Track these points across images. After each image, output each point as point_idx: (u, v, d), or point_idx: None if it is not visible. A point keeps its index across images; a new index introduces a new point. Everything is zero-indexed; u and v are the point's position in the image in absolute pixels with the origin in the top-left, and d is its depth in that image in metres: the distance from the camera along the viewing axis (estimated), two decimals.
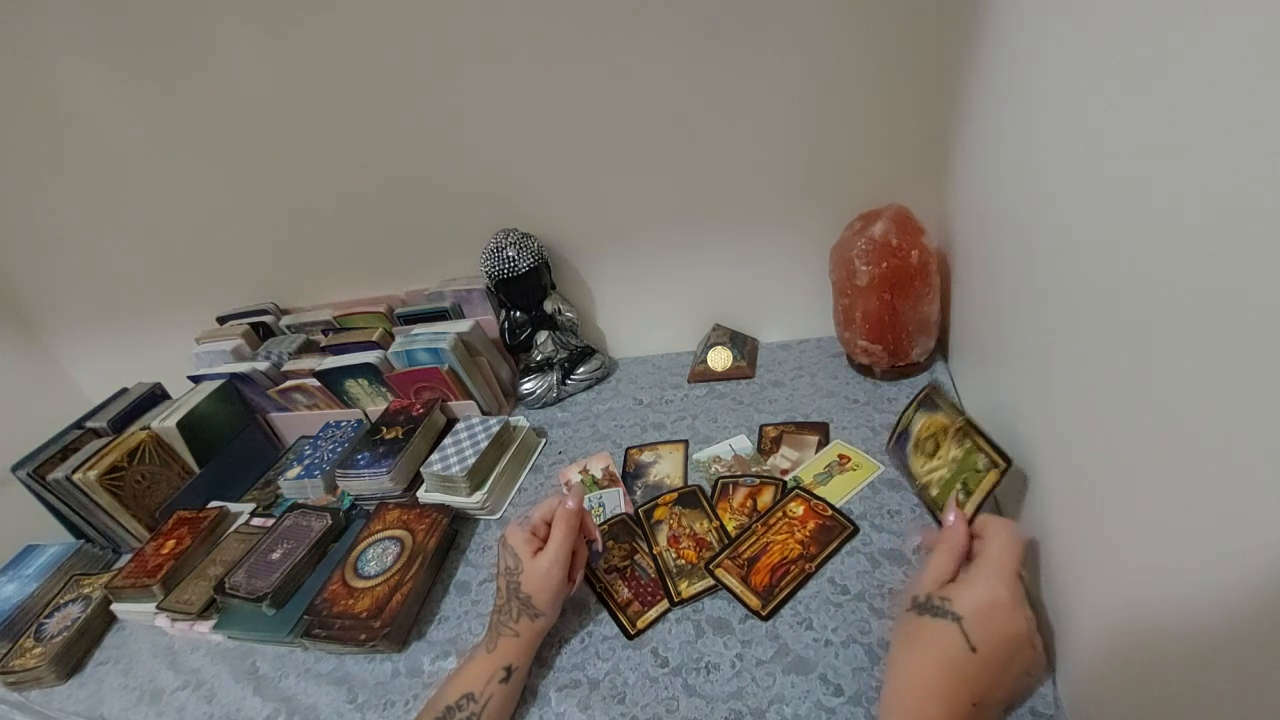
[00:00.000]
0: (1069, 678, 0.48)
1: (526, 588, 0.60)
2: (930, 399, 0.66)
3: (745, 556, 0.67)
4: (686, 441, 0.86)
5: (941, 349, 0.87)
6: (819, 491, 0.72)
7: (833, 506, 0.69)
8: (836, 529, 0.67)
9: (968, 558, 0.50)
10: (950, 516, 0.53)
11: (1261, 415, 0.25)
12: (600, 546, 0.70)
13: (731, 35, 0.77)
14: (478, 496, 0.82)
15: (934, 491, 0.61)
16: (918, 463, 0.65)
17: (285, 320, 1.16)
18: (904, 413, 0.69)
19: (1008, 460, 0.54)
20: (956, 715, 0.43)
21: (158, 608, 0.81)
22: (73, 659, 0.82)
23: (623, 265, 1.01)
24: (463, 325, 0.99)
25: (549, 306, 1.01)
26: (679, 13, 0.76)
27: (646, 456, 0.86)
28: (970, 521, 0.52)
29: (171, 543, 0.87)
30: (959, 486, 0.57)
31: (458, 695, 0.56)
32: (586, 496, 0.81)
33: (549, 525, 0.63)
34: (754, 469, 0.78)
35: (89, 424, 1.02)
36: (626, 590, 0.68)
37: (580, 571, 0.65)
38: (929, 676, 0.44)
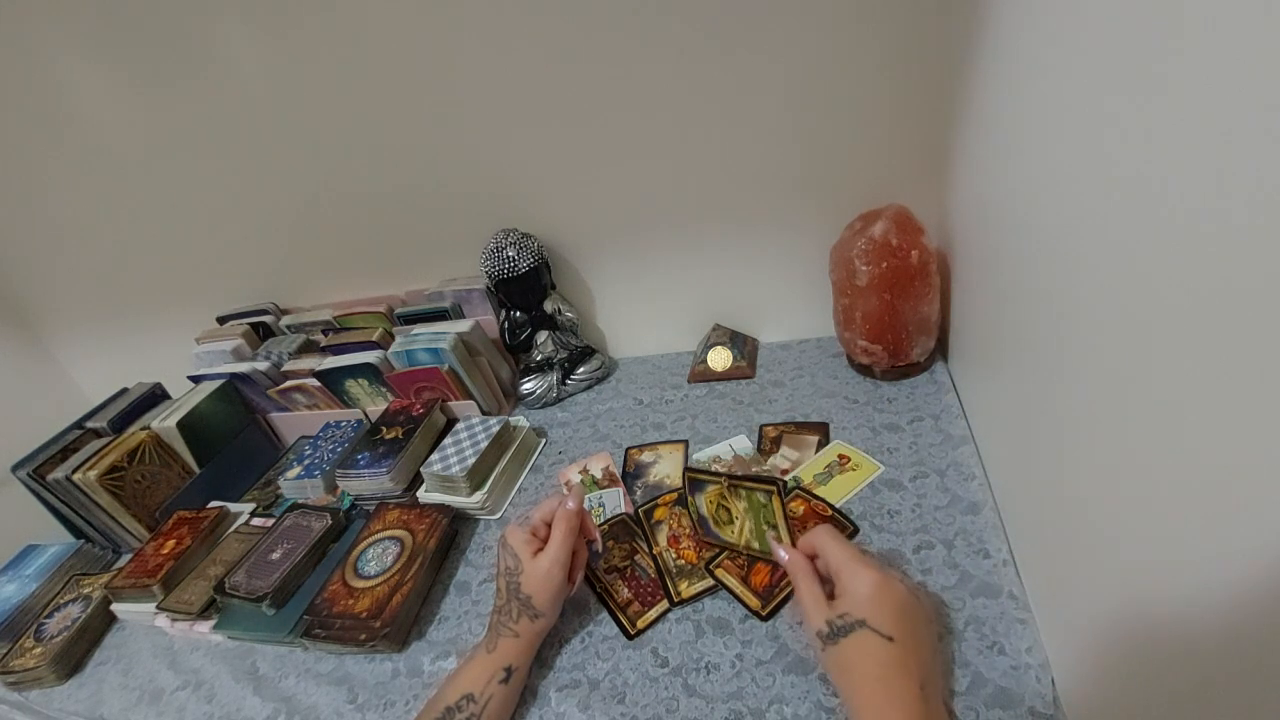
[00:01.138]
0: (1068, 677, 0.48)
1: (526, 588, 0.60)
2: (693, 484, 0.69)
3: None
4: (686, 441, 0.86)
5: (941, 349, 0.87)
6: (819, 491, 0.72)
7: (833, 507, 0.69)
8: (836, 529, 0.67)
9: (821, 576, 0.54)
10: (781, 553, 0.58)
11: (1262, 415, 0.25)
12: (600, 547, 0.70)
13: (731, 35, 0.77)
14: (478, 496, 0.82)
15: (756, 545, 0.64)
16: (727, 534, 0.67)
17: (285, 320, 1.16)
18: (689, 508, 0.70)
19: (772, 480, 0.61)
20: (913, 709, 0.44)
21: (158, 608, 0.81)
22: (73, 659, 0.82)
23: (623, 265, 1.01)
24: (463, 325, 0.99)
25: (549, 306, 1.01)
26: (679, 13, 0.76)
27: (646, 456, 0.86)
28: (795, 545, 0.58)
29: (171, 543, 0.87)
30: (766, 527, 0.62)
31: (457, 696, 0.56)
32: (586, 497, 0.81)
33: (549, 526, 0.63)
34: (754, 469, 0.78)
35: (89, 424, 1.02)
36: (626, 590, 0.68)
37: (580, 572, 0.65)
38: (875, 692, 0.46)
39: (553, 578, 0.60)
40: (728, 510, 0.66)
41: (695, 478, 0.68)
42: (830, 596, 0.52)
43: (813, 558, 0.56)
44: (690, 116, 0.84)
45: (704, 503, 0.68)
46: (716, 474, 0.66)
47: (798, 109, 0.81)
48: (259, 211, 1.07)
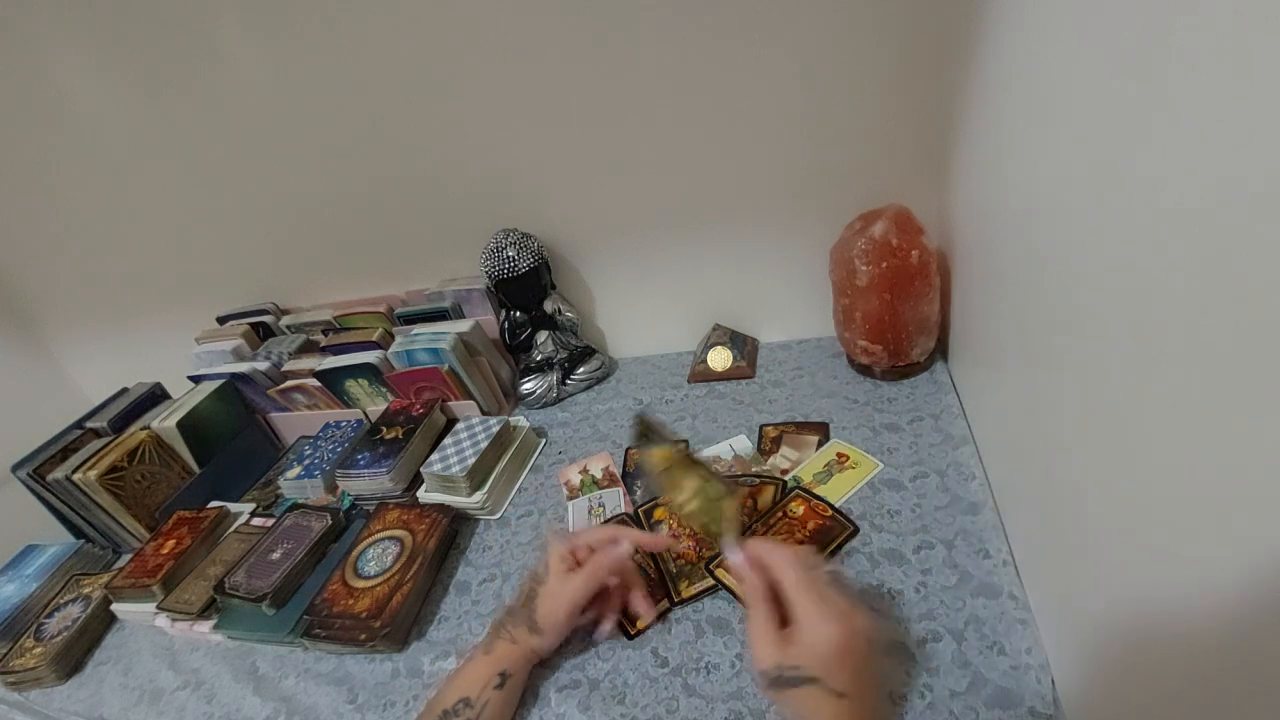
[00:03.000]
0: (1068, 677, 0.48)
1: (539, 601, 0.60)
2: (645, 435, 0.67)
3: None
4: (687, 441, 0.86)
5: (941, 349, 0.87)
6: (818, 491, 0.72)
7: (832, 506, 0.69)
8: (836, 529, 0.67)
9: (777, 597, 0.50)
10: (733, 557, 0.53)
11: (1261, 417, 0.25)
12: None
13: (731, 35, 0.77)
14: (478, 496, 0.82)
15: (702, 522, 0.62)
16: (673, 495, 0.65)
17: (285, 320, 1.16)
18: (632, 454, 0.69)
19: (729, 484, 0.59)
20: None
21: (158, 608, 0.81)
22: (73, 659, 0.82)
23: (623, 265, 1.01)
24: (463, 325, 0.99)
25: (549, 306, 1.01)
26: (679, 13, 0.76)
27: None
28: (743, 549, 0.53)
29: (171, 543, 0.87)
30: (717, 523, 0.59)
31: (454, 699, 0.56)
32: (587, 496, 0.81)
33: (592, 551, 0.62)
34: (754, 469, 0.78)
35: (89, 424, 1.02)
36: None
37: (611, 619, 0.62)
38: None
39: (563, 605, 0.59)
40: (674, 477, 0.63)
41: (646, 434, 0.65)
42: (783, 621, 0.48)
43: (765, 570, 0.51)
44: (691, 117, 0.84)
45: (646, 460, 0.66)
46: (667, 438, 0.64)
47: (798, 109, 0.81)
48: (259, 211, 1.07)
